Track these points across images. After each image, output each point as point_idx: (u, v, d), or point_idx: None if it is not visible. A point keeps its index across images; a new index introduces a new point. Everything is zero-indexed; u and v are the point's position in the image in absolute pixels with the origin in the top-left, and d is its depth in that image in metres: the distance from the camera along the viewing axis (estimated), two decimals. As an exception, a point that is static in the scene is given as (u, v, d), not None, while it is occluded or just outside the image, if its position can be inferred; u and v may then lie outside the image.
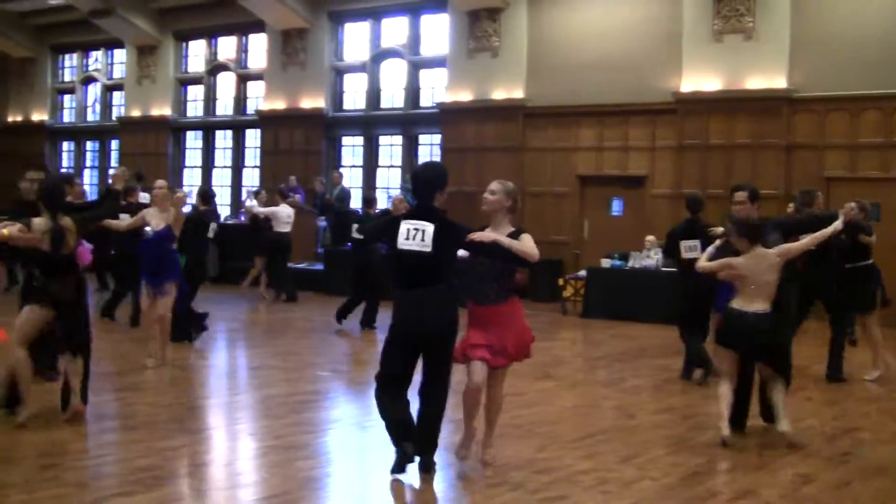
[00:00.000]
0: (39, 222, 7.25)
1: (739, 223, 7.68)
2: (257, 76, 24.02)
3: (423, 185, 6.37)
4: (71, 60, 28.44)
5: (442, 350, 6.31)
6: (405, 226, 6.24)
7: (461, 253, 6.40)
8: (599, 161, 18.72)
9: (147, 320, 10.56)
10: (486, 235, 6.22)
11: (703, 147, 17.38)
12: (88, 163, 28.15)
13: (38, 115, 28.25)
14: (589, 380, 10.84)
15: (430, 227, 6.18)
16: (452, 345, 6.35)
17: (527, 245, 6.25)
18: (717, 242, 8.19)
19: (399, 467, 6.31)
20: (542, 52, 19.22)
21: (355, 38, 22.57)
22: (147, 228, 10.33)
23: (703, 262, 7.88)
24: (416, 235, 6.18)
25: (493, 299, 6.45)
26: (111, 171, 8.52)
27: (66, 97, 28.55)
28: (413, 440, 6.31)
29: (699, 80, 17.35)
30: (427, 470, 6.35)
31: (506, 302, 6.49)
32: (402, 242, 6.20)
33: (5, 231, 7.05)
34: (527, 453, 7.03)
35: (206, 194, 14.06)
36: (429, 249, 6.15)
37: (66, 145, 28.55)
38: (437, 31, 21.19)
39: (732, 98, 17.03)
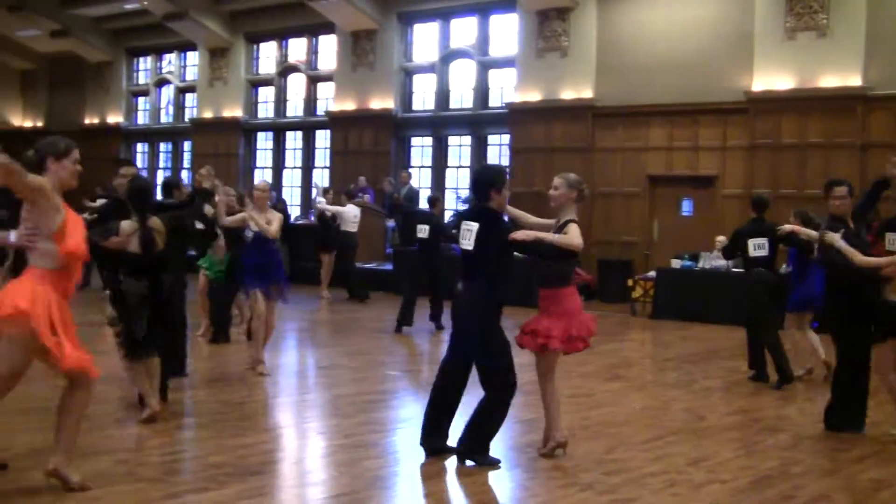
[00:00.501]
0: (127, 224, 7.33)
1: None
2: (327, 77, 24.20)
3: (480, 186, 6.66)
4: (145, 63, 28.89)
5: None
6: (462, 226, 6.61)
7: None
8: (669, 161, 18.57)
9: (260, 323, 10.24)
10: (528, 234, 6.45)
11: (775, 147, 17.16)
12: (161, 164, 28.58)
13: (114, 118, 28.74)
14: (658, 381, 10.76)
15: (475, 227, 6.49)
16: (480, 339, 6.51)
17: (569, 236, 6.46)
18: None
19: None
20: (612, 51, 19.11)
21: (424, 39, 22.64)
22: (248, 231, 10.18)
23: (864, 258, 7.49)
24: (466, 235, 6.53)
25: (541, 284, 6.80)
26: (201, 171, 8.45)
27: (141, 100, 29.01)
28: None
29: (771, 78, 17.13)
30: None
31: (551, 288, 6.75)
32: (460, 241, 6.60)
33: None
34: (596, 454, 7.00)
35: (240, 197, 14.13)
36: (471, 248, 6.49)
37: (140, 147, 29.02)
38: (507, 32, 21.17)
39: (805, 97, 16.79)
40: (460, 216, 7.01)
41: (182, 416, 7.88)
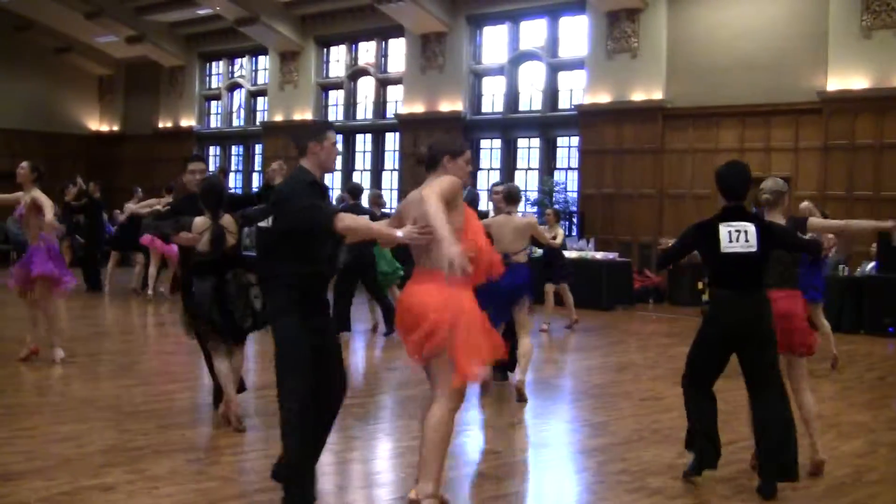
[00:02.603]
0: (200, 221, 7.36)
1: None
2: (396, 80, 24.31)
3: (739, 186, 6.38)
4: (217, 68, 29.27)
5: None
6: (725, 229, 6.18)
7: None
8: (741, 162, 18.31)
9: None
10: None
11: (850, 147, 16.87)
12: (233, 166, 28.91)
13: (187, 121, 29.16)
14: (730, 386, 10.58)
15: (751, 227, 6.17)
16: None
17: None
18: None
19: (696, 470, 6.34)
20: (682, 52, 18.95)
21: (494, 41, 22.64)
22: None
23: None
24: (738, 237, 6.15)
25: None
26: (273, 166, 8.46)
27: (213, 103, 29.40)
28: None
29: (846, 78, 16.84)
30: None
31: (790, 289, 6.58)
32: (727, 246, 6.14)
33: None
34: (666, 458, 6.94)
35: (355, 189, 14.20)
36: (755, 250, 6.13)
37: (212, 150, 29.38)
38: (576, 33, 21.09)
39: (882, 96, 16.47)
40: (697, 224, 6.60)
41: (254, 416, 7.95)
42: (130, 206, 18.14)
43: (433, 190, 5.20)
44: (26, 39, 29.09)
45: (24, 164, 9.97)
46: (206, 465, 6.45)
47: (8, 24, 28.43)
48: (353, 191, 13.89)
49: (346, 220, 5.39)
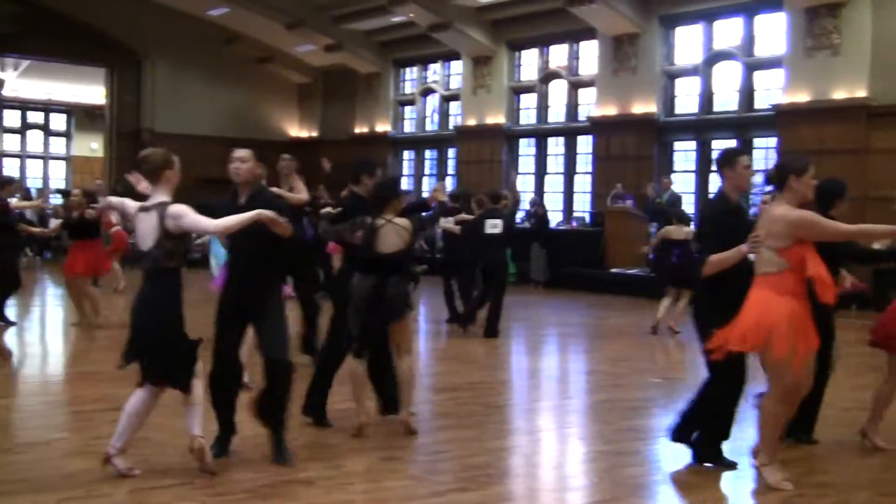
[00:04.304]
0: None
1: None
2: (589, 83, 24.17)
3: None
4: (411, 73, 29.79)
5: None
6: None
7: None
8: (953, 162, 17.43)
9: None
10: None
11: None
12: (427, 170, 29.38)
13: (382, 126, 29.79)
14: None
15: None
16: None
17: None
18: None
19: None
20: (889, 47, 18.12)
21: (687, 42, 22.25)
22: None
23: None
24: None
25: None
26: (437, 187, 8.59)
27: (407, 108, 29.93)
28: None
29: None
30: None
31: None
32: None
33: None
34: (871, 473, 6.67)
35: (494, 194, 14.33)
36: None
37: (406, 154, 29.93)
38: (773, 31, 20.50)
39: None
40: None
41: (445, 417, 8.07)
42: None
43: (789, 218, 5.90)
44: (231, 51, 30.35)
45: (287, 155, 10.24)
46: (400, 463, 6.59)
47: (216, 37, 29.74)
48: (493, 196, 14.09)
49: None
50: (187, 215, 5.84)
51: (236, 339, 6.54)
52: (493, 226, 13.31)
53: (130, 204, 6.15)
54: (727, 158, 6.61)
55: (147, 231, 5.91)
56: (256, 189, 6.54)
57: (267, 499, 5.67)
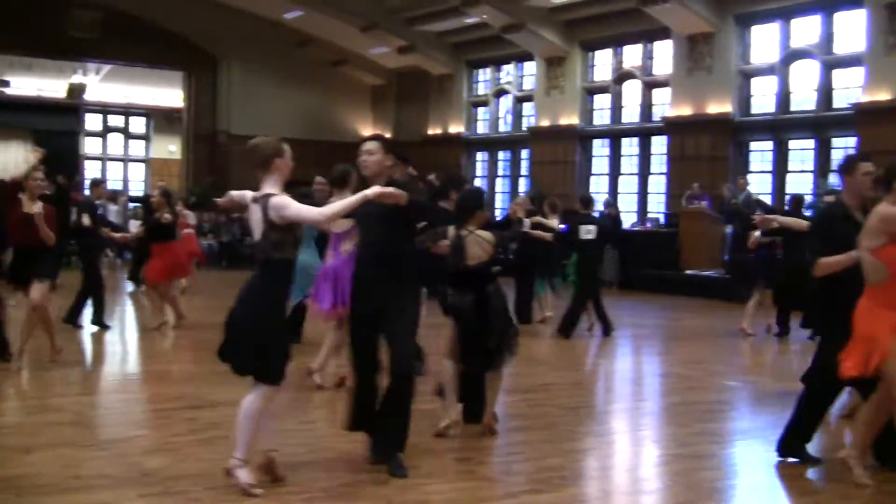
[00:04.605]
0: (453, 231, 7.34)
1: None
2: (663, 82, 23.98)
3: None
4: (484, 75, 29.81)
5: None
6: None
7: None
8: None
9: None
10: None
11: None
12: (500, 172, 29.37)
13: (455, 128, 29.84)
14: None
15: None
16: None
17: None
18: None
19: None
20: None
21: (764, 40, 21.95)
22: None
23: None
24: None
25: None
26: (517, 200, 8.54)
27: (480, 110, 29.95)
28: None
29: None
30: None
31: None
32: None
33: None
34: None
35: (585, 199, 14.28)
36: None
37: (479, 155, 29.95)
38: (853, 28, 20.13)
39: None
40: None
41: (518, 419, 8.06)
42: None
43: (880, 212, 5.88)
44: (306, 54, 30.65)
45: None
46: (473, 465, 6.59)
47: (290, 40, 30.06)
48: (584, 200, 14.07)
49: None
50: (290, 206, 5.68)
51: (372, 345, 6.35)
52: (588, 231, 13.33)
53: (248, 195, 6.01)
54: (847, 165, 6.56)
55: (255, 222, 5.82)
56: (386, 182, 6.23)
57: (342, 498, 5.71)
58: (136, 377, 10.25)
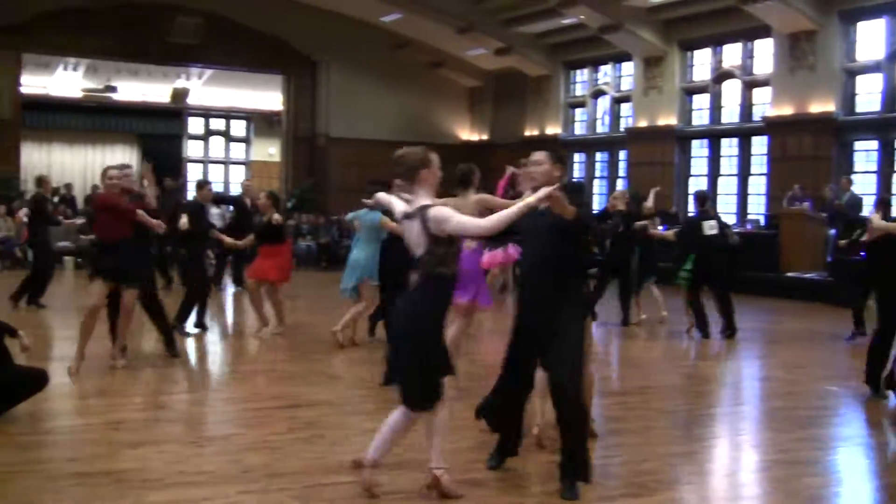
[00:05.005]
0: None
1: None
2: (763, 82, 23.58)
3: None
4: (581, 75, 29.65)
5: None
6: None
7: None
8: None
9: None
10: None
11: None
12: (598, 173, 29.19)
13: (552, 129, 29.74)
14: None
15: None
16: None
17: None
18: None
19: None
20: None
21: (869, 37, 21.44)
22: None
23: None
24: None
25: None
26: (615, 195, 8.48)
27: (577, 111, 29.80)
28: None
29: None
30: None
31: None
32: None
33: None
34: None
35: (702, 196, 14.03)
36: None
37: (577, 157, 29.81)
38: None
39: None
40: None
41: (615, 422, 8.02)
42: None
43: None
44: (403, 56, 30.86)
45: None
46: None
47: (388, 43, 30.31)
48: (701, 197, 13.88)
49: None
50: (451, 219, 5.45)
51: (530, 361, 6.14)
52: (711, 227, 13.21)
53: (398, 205, 5.83)
54: None
55: (415, 238, 5.60)
56: None
57: (438, 498, 5.74)
58: (236, 376, 10.44)
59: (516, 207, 5.48)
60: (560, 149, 28.99)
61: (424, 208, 5.51)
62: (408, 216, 5.64)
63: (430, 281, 5.56)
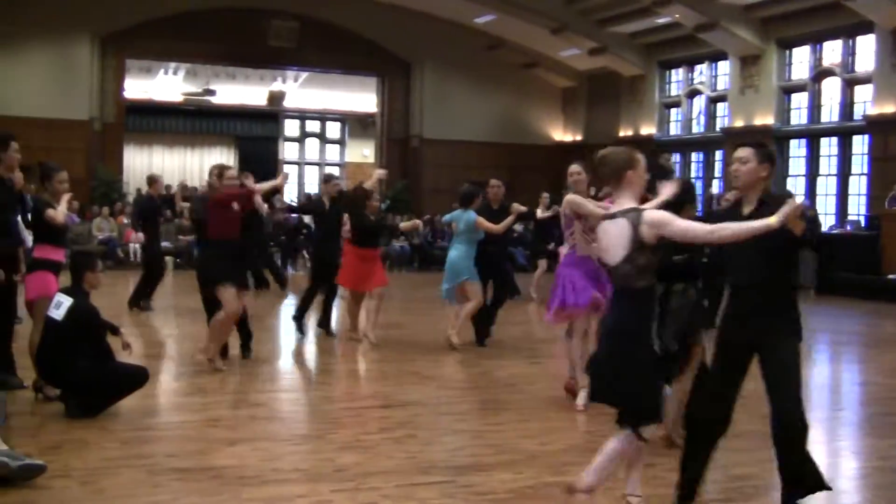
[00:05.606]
0: None
1: None
2: (865, 80, 23.05)
3: None
4: (677, 75, 29.34)
5: None
6: None
7: None
8: None
9: None
10: None
11: None
12: (694, 173, 28.83)
13: (647, 129, 29.48)
14: None
15: None
16: None
17: None
18: None
19: None
20: None
21: (977, 32, 20.85)
22: None
23: None
24: None
25: None
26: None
27: (672, 111, 29.49)
28: None
29: None
30: None
31: None
32: None
33: None
34: None
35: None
36: None
37: (673, 157, 29.49)
38: None
39: None
40: None
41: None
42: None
43: None
44: (496, 57, 30.86)
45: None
46: (661, 471, 6.50)
47: (481, 43, 30.33)
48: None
49: None
50: (672, 222, 4.94)
51: (737, 381, 5.67)
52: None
53: (593, 208, 5.53)
54: None
55: (614, 243, 5.04)
56: (760, 198, 5.47)
57: (528, 499, 5.75)
58: (330, 376, 10.56)
59: (758, 224, 4.94)
60: (655, 149, 28.78)
61: (637, 211, 5.01)
62: (609, 217, 5.15)
63: (628, 296, 5.07)
